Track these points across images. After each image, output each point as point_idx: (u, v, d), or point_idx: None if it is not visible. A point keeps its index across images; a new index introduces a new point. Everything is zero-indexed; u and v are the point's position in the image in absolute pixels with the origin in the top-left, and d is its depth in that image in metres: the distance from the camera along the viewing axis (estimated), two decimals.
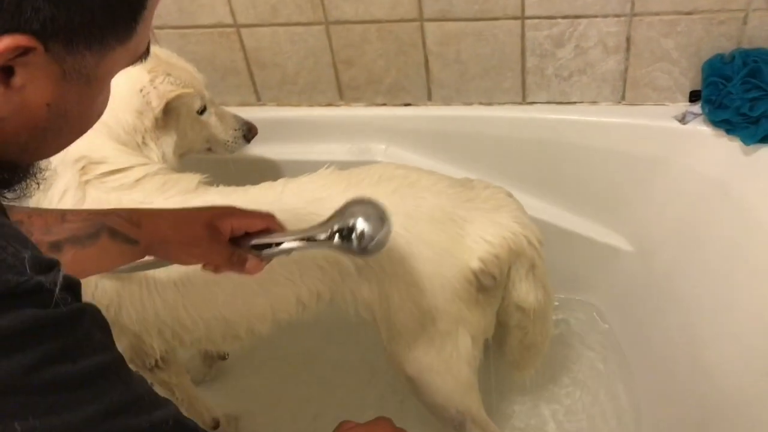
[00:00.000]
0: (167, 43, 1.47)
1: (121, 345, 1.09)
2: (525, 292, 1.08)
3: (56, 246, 0.76)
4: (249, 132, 1.29)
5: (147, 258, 0.84)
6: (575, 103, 1.37)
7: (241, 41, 1.44)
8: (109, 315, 1.03)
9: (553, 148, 1.36)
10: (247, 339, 1.09)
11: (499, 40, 1.32)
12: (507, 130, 1.38)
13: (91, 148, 1.06)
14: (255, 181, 1.14)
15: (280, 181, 1.10)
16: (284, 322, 1.09)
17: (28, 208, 0.79)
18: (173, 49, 1.47)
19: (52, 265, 0.48)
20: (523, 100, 1.39)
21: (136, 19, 0.52)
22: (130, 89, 1.10)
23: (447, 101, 1.43)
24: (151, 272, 1.00)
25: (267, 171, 1.51)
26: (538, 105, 1.38)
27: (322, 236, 0.80)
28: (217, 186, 1.11)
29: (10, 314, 0.44)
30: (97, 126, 1.15)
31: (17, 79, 0.48)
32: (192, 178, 1.09)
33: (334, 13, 1.35)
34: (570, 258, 1.38)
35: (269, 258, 0.83)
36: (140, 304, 1.01)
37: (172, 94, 1.11)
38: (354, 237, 0.78)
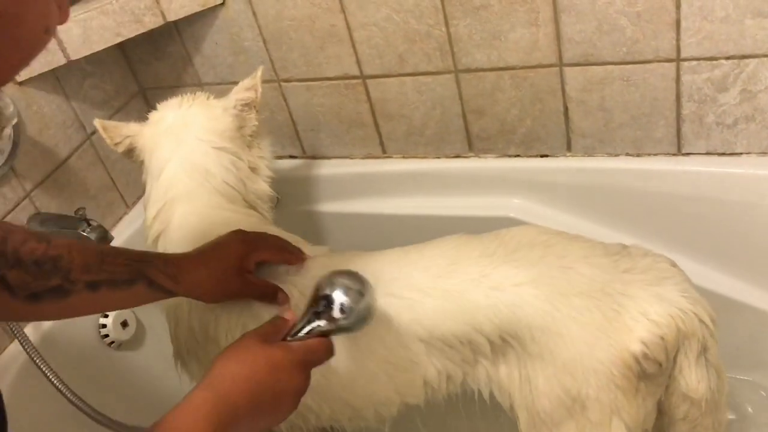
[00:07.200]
0: (293, 95, 1.44)
1: None
2: (695, 380, 0.92)
3: (93, 286, 0.82)
4: None
5: None
6: (741, 154, 1.20)
7: (368, 92, 1.38)
8: None
9: (715, 206, 1.19)
10: (374, 421, 1.00)
11: (650, 84, 1.18)
12: (659, 185, 1.23)
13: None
14: (373, 237, 1.06)
15: (399, 250, 0.99)
16: (413, 406, 0.98)
17: (71, 241, 0.82)
18: (299, 101, 1.45)
19: None
20: (679, 151, 1.24)
21: None
22: (215, 121, 1.11)
23: (589, 152, 1.30)
24: None
25: (390, 227, 1.43)
26: (696, 156, 1.23)
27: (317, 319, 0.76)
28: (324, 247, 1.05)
29: None
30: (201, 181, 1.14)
31: None
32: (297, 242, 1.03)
33: (464, 60, 1.27)
34: (738, 332, 1.19)
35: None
36: None
37: (258, 78, 1.13)
38: (334, 312, 0.75)
